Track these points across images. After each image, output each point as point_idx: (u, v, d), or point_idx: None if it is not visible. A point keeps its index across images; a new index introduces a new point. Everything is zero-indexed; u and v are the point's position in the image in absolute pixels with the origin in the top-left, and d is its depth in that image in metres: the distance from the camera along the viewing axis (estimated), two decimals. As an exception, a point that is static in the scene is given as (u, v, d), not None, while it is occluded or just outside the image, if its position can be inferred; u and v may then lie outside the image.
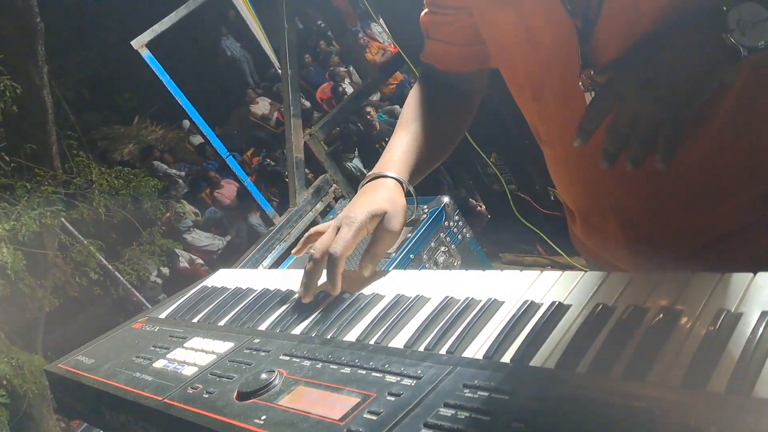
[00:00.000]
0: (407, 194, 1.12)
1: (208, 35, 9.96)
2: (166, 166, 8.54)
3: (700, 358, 0.60)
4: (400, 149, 1.14)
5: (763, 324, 0.61)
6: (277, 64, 9.95)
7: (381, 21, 3.34)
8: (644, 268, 1.06)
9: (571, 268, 2.99)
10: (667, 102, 0.77)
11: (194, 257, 7.43)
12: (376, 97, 7.32)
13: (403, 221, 1.06)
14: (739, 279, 0.68)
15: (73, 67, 8.07)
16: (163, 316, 1.20)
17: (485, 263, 2.40)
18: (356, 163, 6.58)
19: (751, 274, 0.68)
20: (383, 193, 1.07)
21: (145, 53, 2.55)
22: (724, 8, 0.73)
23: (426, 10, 1.19)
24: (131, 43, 2.56)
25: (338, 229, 1.03)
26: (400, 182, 1.10)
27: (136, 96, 8.74)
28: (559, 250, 2.85)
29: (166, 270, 6.71)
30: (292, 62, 2.77)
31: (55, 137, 3.47)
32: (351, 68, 8.87)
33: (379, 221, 1.04)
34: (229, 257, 6.98)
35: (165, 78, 2.58)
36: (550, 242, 2.86)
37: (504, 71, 1.09)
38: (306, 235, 1.14)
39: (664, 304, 0.70)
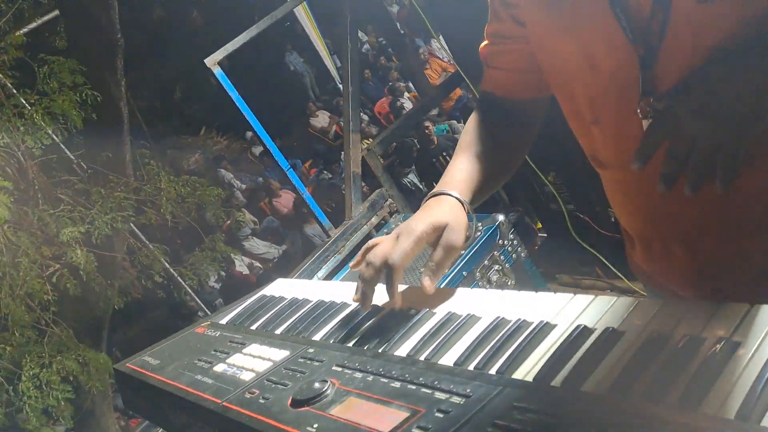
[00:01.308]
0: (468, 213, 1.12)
1: (274, 51, 10.22)
2: (231, 175, 8.78)
3: (756, 392, 0.60)
4: (461, 172, 1.15)
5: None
6: (337, 78, 10.13)
7: (441, 38, 3.37)
8: (706, 295, 1.04)
9: (631, 292, 2.92)
10: (724, 129, 0.77)
11: (254, 262, 7.60)
12: (434, 111, 7.35)
13: (464, 237, 1.05)
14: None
15: (147, 80, 8.42)
16: (224, 321, 1.25)
17: (540, 284, 2.38)
18: (412, 177, 6.61)
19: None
20: (446, 207, 1.07)
21: (217, 71, 2.66)
22: None
23: (486, 42, 1.20)
24: (205, 61, 2.67)
25: (397, 238, 1.03)
26: (461, 202, 1.10)
27: (203, 108, 9.04)
28: (619, 274, 2.79)
29: (223, 274, 6.89)
30: (354, 79, 2.82)
31: (129, 146, 3.63)
32: (410, 83, 8.94)
33: (439, 233, 1.03)
34: (284, 266, 7.10)
35: (234, 94, 2.68)
36: (609, 265, 2.81)
37: (560, 97, 1.10)
38: (363, 248, 1.16)
39: (720, 335, 0.69)
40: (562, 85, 1.08)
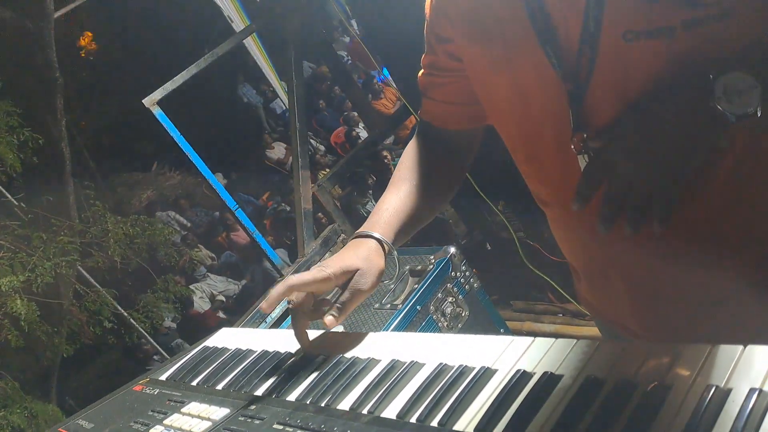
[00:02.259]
0: (390, 254, 1.13)
1: (226, 83, 10.18)
2: (176, 214, 8.61)
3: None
4: (388, 210, 1.16)
5: (751, 402, 0.60)
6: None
7: (385, 72, 3.40)
8: (648, 327, 1.06)
9: (582, 315, 2.95)
10: (659, 169, 0.78)
11: (216, 294, 7.44)
12: (390, 140, 7.40)
13: (374, 282, 1.08)
14: (729, 351, 0.68)
15: (93, 116, 8.28)
16: (163, 377, 1.21)
17: (493, 313, 2.38)
18: (370, 207, 6.62)
19: (741, 347, 0.67)
20: (362, 252, 1.09)
21: (157, 111, 2.62)
22: (711, 77, 0.75)
23: (423, 71, 1.21)
24: (143, 101, 2.63)
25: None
26: (383, 244, 1.12)
27: (154, 143, 8.91)
28: (570, 298, 2.83)
29: (179, 316, 6.73)
30: (301, 115, 2.82)
31: (72, 187, 3.54)
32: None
33: (349, 277, 1.06)
34: (245, 301, 6.99)
35: (175, 134, 2.64)
36: (560, 290, 2.84)
37: (500, 132, 1.11)
38: (277, 291, 1.16)
39: (655, 377, 0.69)
40: (499, 122, 1.09)
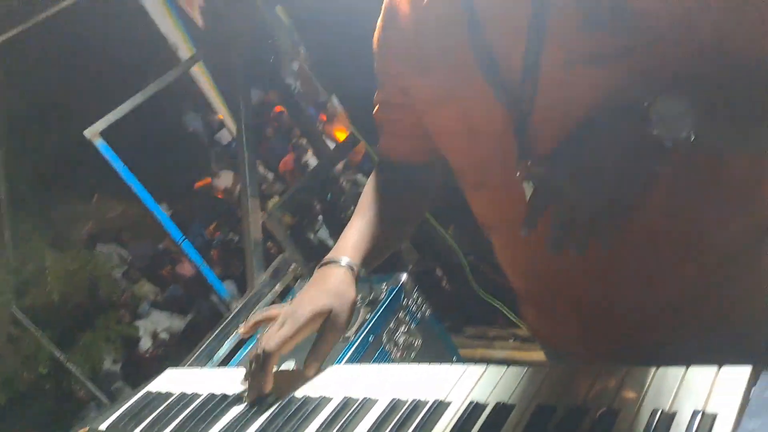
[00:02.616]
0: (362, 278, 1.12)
1: (171, 112, 10.03)
2: (117, 246, 8.35)
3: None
4: (355, 235, 1.16)
5: (695, 424, 0.62)
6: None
7: (334, 99, 3.41)
8: (593, 350, 1.07)
9: (533, 339, 2.98)
10: (601, 194, 0.80)
11: (159, 333, 7.20)
12: (341, 165, 7.39)
13: (349, 317, 1.07)
14: (672, 374, 0.70)
15: (31, 148, 8.01)
16: (103, 427, 1.16)
17: (446, 341, 2.37)
18: (321, 234, 6.57)
19: (684, 369, 0.69)
20: (331, 287, 1.08)
21: (99, 142, 2.55)
22: (645, 104, 0.77)
23: (376, 107, 1.22)
24: (84, 133, 2.56)
25: (282, 324, 1.04)
26: (352, 269, 1.10)
27: (95, 174, 8.66)
28: (519, 323, 2.86)
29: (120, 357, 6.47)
30: (249, 143, 2.79)
31: (7, 223, 3.40)
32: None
33: (324, 319, 1.04)
34: (191, 336, 6.79)
35: (119, 165, 2.57)
36: (509, 314, 2.87)
37: (450, 162, 1.12)
38: (256, 318, 1.13)
39: (603, 402, 0.71)
40: (447, 150, 1.11)
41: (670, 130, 0.77)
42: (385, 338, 2.13)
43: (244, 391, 1.05)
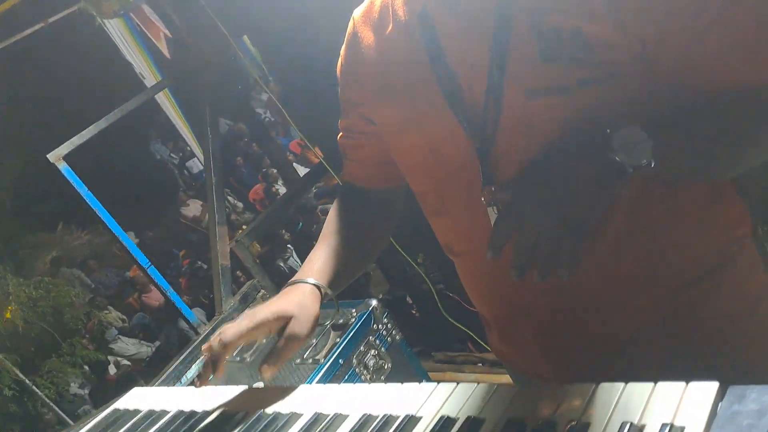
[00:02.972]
0: (329, 299, 1.12)
1: (137, 140, 9.94)
2: (81, 273, 8.18)
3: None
4: (321, 259, 1.16)
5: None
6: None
7: (299, 132, 3.43)
8: (558, 374, 1.08)
9: (501, 364, 3.00)
10: (564, 220, 0.81)
11: (121, 360, 7.02)
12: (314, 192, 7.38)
13: (310, 328, 1.05)
14: (641, 389, 0.70)
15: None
16: (69, 445, 1.13)
17: (416, 365, 2.38)
18: (291, 263, 6.52)
19: (652, 384, 0.70)
20: (295, 298, 1.07)
21: (63, 166, 2.51)
22: (608, 131, 0.80)
23: (341, 134, 1.24)
24: (48, 156, 2.52)
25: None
26: (318, 288, 1.10)
27: (59, 203, 8.49)
28: (488, 348, 2.87)
29: (86, 382, 6.31)
30: (216, 170, 2.79)
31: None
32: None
33: (284, 323, 1.03)
34: (158, 364, 6.65)
35: (83, 190, 2.53)
36: (478, 340, 2.88)
37: (412, 187, 1.14)
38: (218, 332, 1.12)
39: (572, 417, 0.71)
40: (411, 178, 1.13)
41: (631, 157, 0.79)
42: (355, 361, 2.13)
43: (214, 408, 1.04)
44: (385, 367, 2.24)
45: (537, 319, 1.05)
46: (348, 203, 1.27)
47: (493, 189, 0.94)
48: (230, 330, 1.02)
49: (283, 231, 6.53)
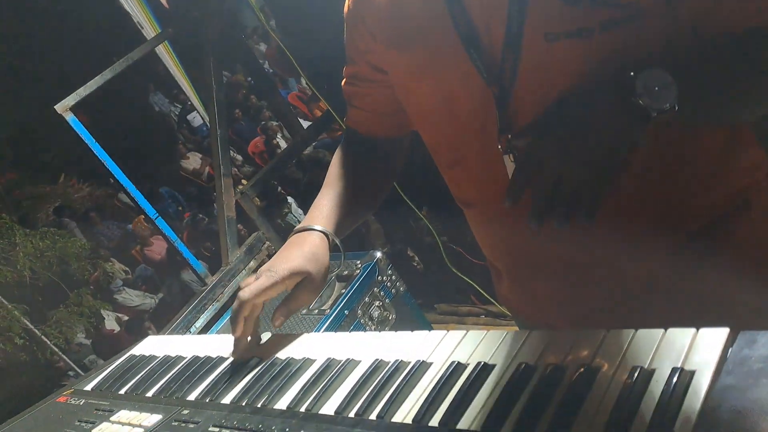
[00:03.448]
0: (335, 248, 1.14)
1: (136, 92, 9.83)
2: (85, 226, 8.19)
3: (619, 413, 0.63)
4: (327, 205, 1.17)
5: (674, 379, 0.64)
6: (207, 118, 9.87)
7: (303, 79, 3.39)
8: (570, 322, 1.10)
9: (503, 316, 3.04)
10: (585, 164, 0.81)
11: (122, 316, 7.11)
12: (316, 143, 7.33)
13: (323, 283, 1.09)
14: (651, 335, 0.72)
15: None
16: (88, 388, 1.16)
17: (419, 316, 2.42)
18: (290, 219, 6.53)
19: (663, 330, 0.71)
20: (308, 250, 1.09)
21: (70, 117, 2.50)
22: (632, 74, 0.79)
23: (345, 80, 1.23)
24: (55, 107, 2.50)
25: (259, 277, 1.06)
26: (327, 236, 1.12)
27: (62, 154, 8.45)
28: (492, 299, 2.91)
29: (92, 331, 6.40)
30: (221, 121, 2.77)
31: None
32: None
33: (299, 280, 1.06)
34: (162, 316, 6.74)
35: (90, 141, 2.53)
36: (482, 292, 2.92)
37: (424, 137, 1.13)
38: (239, 287, 1.15)
39: (582, 362, 0.73)
40: (424, 128, 1.11)
41: (655, 101, 0.78)
42: (360, 312, 2.16)
43: (229, 355, 1.07)
44: (390, 318, 2.28)
45: (551, 268, 1.06)
46: (352, 150, 1.27)
47: (509, 137, 0.93)
48: (247, 289, 1.04)
49: (278, 187, 6.51)
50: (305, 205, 6.29)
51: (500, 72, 0.92)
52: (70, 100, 2.49)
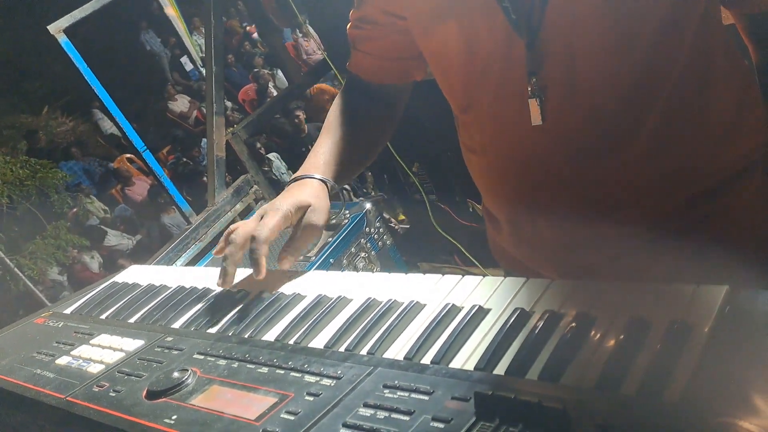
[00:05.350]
0: (334, 197, 1.12)
1: (128, 27, 9.60)
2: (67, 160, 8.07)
3: (613, 362, 0.63)
4: (324, 155, 1.16)
5: (672, 332, 0.64)
6: (198, 61, 9.70)
7: (308, 25, 3.31)
8: (568, 273, 1.09)
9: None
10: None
11: (99, 259, 7.05)
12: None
13: (326, 218, 1.07)
14: (651, 288, 0.71)
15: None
16: (68, 311, 1.14)
17: (404, 271, 2.41)
18: (278, 165, 6.48)
19: (662, 285, 0.71)
20: (308, 190, 1.08)
21: (63, 39, 2.42)
22: None
23: (351, 23, 1.20)
24: (48, 27, 2.42)
25: (262, 217, 1.03)
26: (325, 183, 1.10)
27: (47, 85, 8.26)
28: (475, 261, 2.91)
29: (72, 263, 6.34)
30: (218, 59, 2.71)
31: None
32: (277, 71, 8.77)
33: (302, 214, 1.05)
34: (139, 258, 6.70)
35: (82, 65, 2.45)
36: (466, 253, 2.92)
37: (440, 80, 1.11)
38: (226, 232, 1.12)
39: (579, 311, 0.72)
40: (442, 70, 1.09)
41: None
42: (345, 262, 2.15)
43: (215, 287, 1.04)
44: (374, 271, 2.27)
45: (556, 217, 1.04)
46: (353, 96, 1.25)
47: (534, 80, 0.92)
48: (264, 229, 1.00)
49: (258, 144, 6.45)
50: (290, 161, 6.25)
51: (528, 15, 0.90)
52: (64, 21, 2.41)
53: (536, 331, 0.71)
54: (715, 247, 0.98)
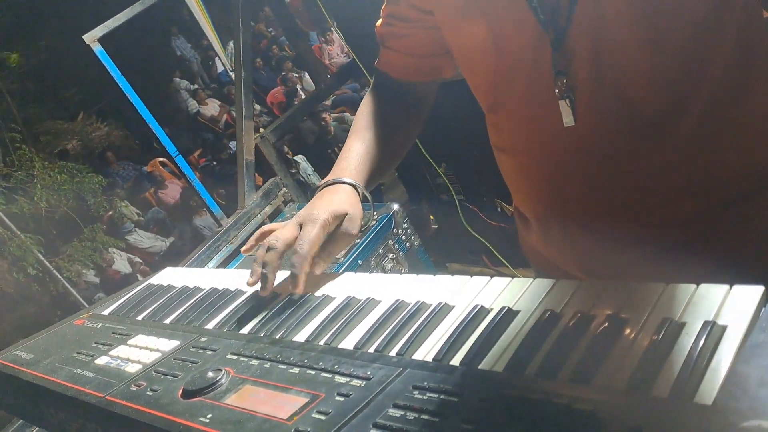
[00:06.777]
0: (363, 200, 1.12)
1: (159, 34, 9.76)
2: (101, 165, 8.23)
3: (645, 364, 0.62)
4: (355, 159, 1.15)
5: (705, 333, 0.63)
6: (228, 66, 9.82)
7: (333, 29, 3.33)
8: (598, 274, 1.08)
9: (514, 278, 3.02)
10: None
11: (134, 257, 7.19)
12: (327, 102, 7.30)
13: (360, 226, 1.08)
14: (683, 289, 0.70)
15: (18, 59, 7.73)
16: (106, 312, 1.17)
17: (432, 272, 2.42)
18: (305, 167, 6.53)
19: (695, 285, 0.70)
20: (343, 196, 1.08)
21: (97, 48, 2.48)
22: None
23: (382, 20, 1.20)
24: (83, 37, 2.48)
25: (300, 226, 1.03)
26: (356, 188, 1.10)
27: (82, 91, 8.44)
28: (504, 261, 2.90)
29: (103, 266, 6.47)
30: (246, 64, 2.74)
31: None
32: (304, 74, 8.84)
33: (339, 223, 1.05)
34: (171, 260, 6.81)
35: (116, 74, 2.51)
36: (496, 253, 2.91)
37: (469, 80, 1.11)
38: (257, 232, 1.13)
39: (610, 312, 0.71)
40: (470, 68, 1.09)
41: None
42: (373, 263, 2.16)
43: (247, 289, 1.06)
44: (403, 271, 2.28)
45: (587, 217, 1.04)
46: (382, 95, 1.25)
47: (565, 81, 0.92)
48: (305, 244, 1.00)
49: (286, 148, 6.50)
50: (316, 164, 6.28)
51: (556, 14, 0.90)
52: (98, 31, 2.48)
53: (566, 333, 0.71)
54: (750, 249, 0.96)
